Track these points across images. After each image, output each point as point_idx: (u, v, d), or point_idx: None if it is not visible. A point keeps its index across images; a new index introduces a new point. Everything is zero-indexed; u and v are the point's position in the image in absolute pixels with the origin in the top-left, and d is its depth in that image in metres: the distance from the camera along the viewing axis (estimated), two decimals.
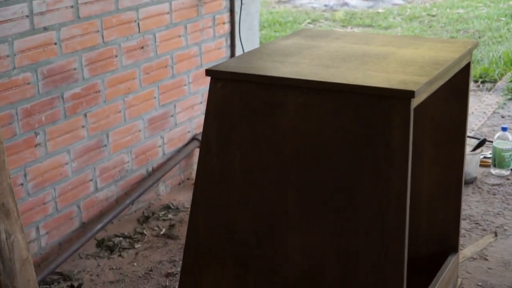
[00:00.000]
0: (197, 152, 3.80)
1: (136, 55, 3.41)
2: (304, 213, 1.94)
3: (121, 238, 3.26)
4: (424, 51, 2.14)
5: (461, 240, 3.00)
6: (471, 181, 3.57)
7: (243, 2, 4.06)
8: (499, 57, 6.03)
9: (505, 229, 3.12)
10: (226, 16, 4.01)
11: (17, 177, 2.87)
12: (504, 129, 3.69)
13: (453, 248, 2.40)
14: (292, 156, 1.90)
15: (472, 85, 5.46)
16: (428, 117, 2.31)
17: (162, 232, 3.31)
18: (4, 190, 1.86)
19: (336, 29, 7.37)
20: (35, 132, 2.93)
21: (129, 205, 3.45)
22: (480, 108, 4.69)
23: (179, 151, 3.76)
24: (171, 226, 3.35)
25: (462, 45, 2.23)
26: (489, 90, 5.26)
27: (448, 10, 8.15)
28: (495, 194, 3.46)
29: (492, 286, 2.72)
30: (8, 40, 2.75)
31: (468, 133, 4.22)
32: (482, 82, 5.51)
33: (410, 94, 1.75)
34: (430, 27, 7.39)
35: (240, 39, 4.01)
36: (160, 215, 3.48)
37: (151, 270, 2.99)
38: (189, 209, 3.24)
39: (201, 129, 3.76)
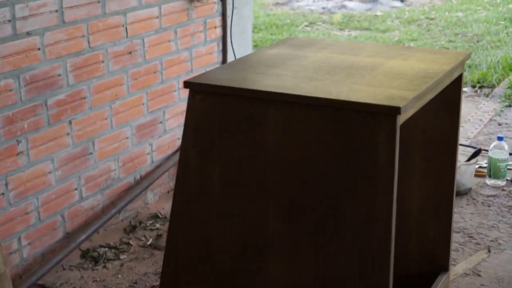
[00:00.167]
0: None
1: (124, 60, 3.33)
2: (284, 233, 1.86)
3: (106, 249, 3.18)
4: (413, 63, 2.06)
5: (454, 255, 2.92)
6: (466, 192, 3.49)
7: (235, 6, 3.99)
8: (498, 62, 5.95)
9: (499, 243, 3.04)
10: (218, 20, 3.93)
11: None
12: (500, 138, 3.61)
13: (443, 267, 2.32)
14: (274, 173, 1.81)
15: (469, 90, 5.38)
16: (418, 130, 2.23)
17: (148, 243, 3.24)
18: None
19: (333, 32, 7.29)
20: (17, 140, 2.85)
21: (116, 214, 3.38)
22: (477, 115, 4.61)
23: (168, 158, 3.68)
24: (158, 236, 3.27)
25: (454, 56, 2.14)
26: (486, 95, 5.19)
27: (447, 13, 8.06)
28: (490, 206, 3.37)
29: None
30: None
31: (464, 142, 4.15)
32: (480, 88, 5.44)
33: (396, 110, 1.67)
34: (428, 30, 7.31)
35: (232, 44, 3.94)
36: (148, 224, 3.41)
37: (135, 283, 2.92)
38: None
39: None
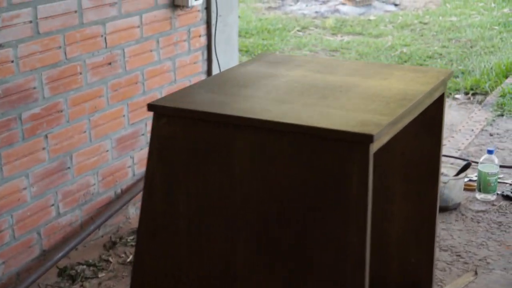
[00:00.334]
0: None
1: (103, 71, 3.24)
2: (253, 265, 1.76)
3: (84, 266, 3.09)
4: (392, 83, 1.96)
5: (441, 275, 2.82)
6: (455, 207, 3.39)
7: (220, 14, 3.90)
8: (491, 68, 5.87)
9: (488, 262, 2.94)
10: (202, 29, 3.85)
11: None
12: (490, 152, 3.52)
13: None
14: (242, 202, 1.72)
15: (462, 97, 5.30)
16: (397, 152, 2.13)
17: (128, 260, 3.15)
18: None
19: (325, 37, 7.20)
20: None
21: (95, 230, 3.29)
22: (468, 125, 4.52)
23: None
24: None
25: (435, 75, 2.04)
26: (480, 102, 5.10)
27: (440, 18, 7.97)
28: (479, 222, 3.28)
29: None
30: None
31: (454, 153, 4.06)
32: (473, 95, 5.36)
33: (369, 138, 1.57)
34: (422, 35, 7.22)
35: (216, 52, 3.85)
36: (128, 240, 3.32)
37: None
38: None
39: None
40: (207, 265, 1.83)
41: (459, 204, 3.42)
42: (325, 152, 1.62)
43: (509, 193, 3.53)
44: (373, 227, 2.05)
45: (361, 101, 1.80)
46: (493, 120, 4.59)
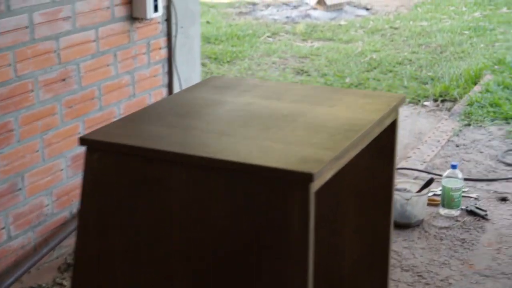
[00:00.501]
0: None
1: (56, 88, 3.14)
2: None
3: None
4: (340, 110, 1.88)
5: None
6: (418, 224, 3.33)
7: (181, 25, 3.82)
8: (460, 74, 5.84)
9: (450, 283, 2.88)
10: (162, 41, 3.76)
11: None
12: (453, 166, 3.46)
13: None
14: (178, 242, 1.63)
15: (431, 104, 5.25)
16: (349, 183, 2.05)
17: None
18: None
19: (295, 43, 7.13)
20: None
21: (50, 252, 3.18)
22: (434, 136, 4.46)
23: None
24: None
25: (387, 101, 1.97)
26: (448, 109, 5.06)
27: (411, 22, 7.94)
28: (442, 240, 3.22)
29: None
30: None
31: (419, 166, 4.00)
32: (442, 101, 5.32)
33: (308, 177, 1.49)
34: (392, 40, 7.18)
35: (176, 65, 3.76)
36: None
37: None
38: None
39: None
40: None
41: (422, 220, 3.35)
42: (264, 191, 1.54)
43: (473, 208, 3.47)
44: (324, 261, 1.97)
45: (304, 133, 1.72)
46: (460, 130, 4.54)
